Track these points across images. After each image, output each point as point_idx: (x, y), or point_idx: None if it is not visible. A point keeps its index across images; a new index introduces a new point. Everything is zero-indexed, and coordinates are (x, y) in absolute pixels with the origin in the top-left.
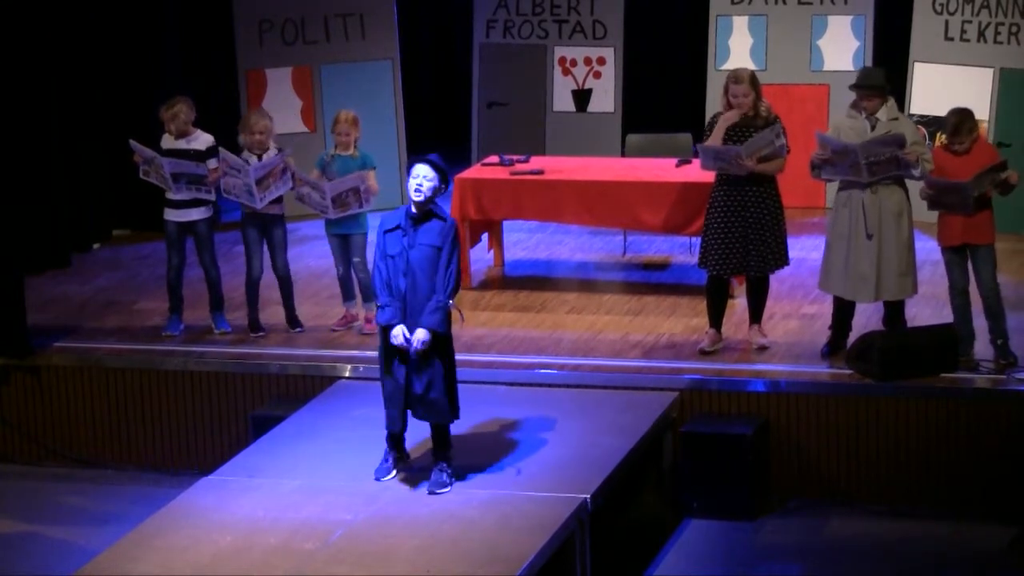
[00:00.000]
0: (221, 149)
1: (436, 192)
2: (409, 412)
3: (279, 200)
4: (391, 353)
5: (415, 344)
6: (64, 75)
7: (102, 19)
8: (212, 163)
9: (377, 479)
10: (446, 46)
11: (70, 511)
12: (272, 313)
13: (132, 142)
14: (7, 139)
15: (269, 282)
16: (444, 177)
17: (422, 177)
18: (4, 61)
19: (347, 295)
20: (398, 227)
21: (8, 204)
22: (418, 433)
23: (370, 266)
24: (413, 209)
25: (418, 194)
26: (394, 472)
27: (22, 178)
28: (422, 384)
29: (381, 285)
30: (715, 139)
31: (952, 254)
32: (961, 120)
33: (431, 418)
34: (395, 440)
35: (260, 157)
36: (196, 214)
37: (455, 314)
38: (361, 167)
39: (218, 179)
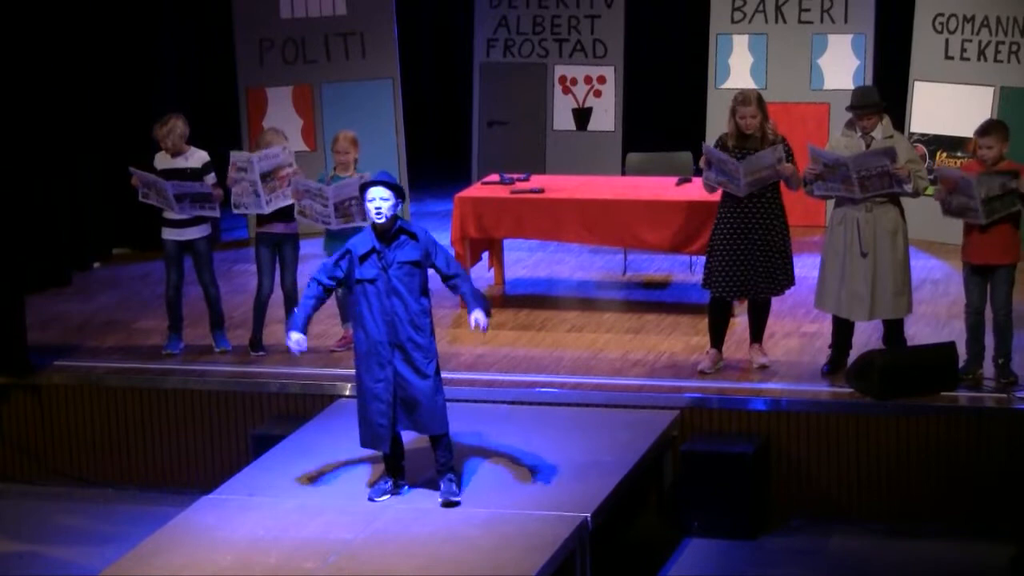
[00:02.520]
0: (232, 152)
1: (395, 209)
2: (399, 429)
3: (292, 218)
4: (376, 373)
5: (483, 325)
6: (64, 93)
7: (102, 36)
8: (210, 179)
9: (370, 499)
10: (446, 65)
11: (70, 530)
12: (272, 332)
13: (132, 169)
14: (6, 158)
15: (271, 299)
16: (399, 192)
17: (379, 199)
18: (4, 80)
19: (346, 316)
20: (372, 250)
21: (8, 222)
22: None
23: None
24: (378, 232)
25: (379, 216)
26: (388, 496)
27: (22, 196)
28: (426, 396)
29: (310, 294)
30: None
31: (971, 272)
32: (992, 124)
33: (431, 429)
34: (391, 460)
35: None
36: (195, 232)
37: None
38: None
39: (221, 196)
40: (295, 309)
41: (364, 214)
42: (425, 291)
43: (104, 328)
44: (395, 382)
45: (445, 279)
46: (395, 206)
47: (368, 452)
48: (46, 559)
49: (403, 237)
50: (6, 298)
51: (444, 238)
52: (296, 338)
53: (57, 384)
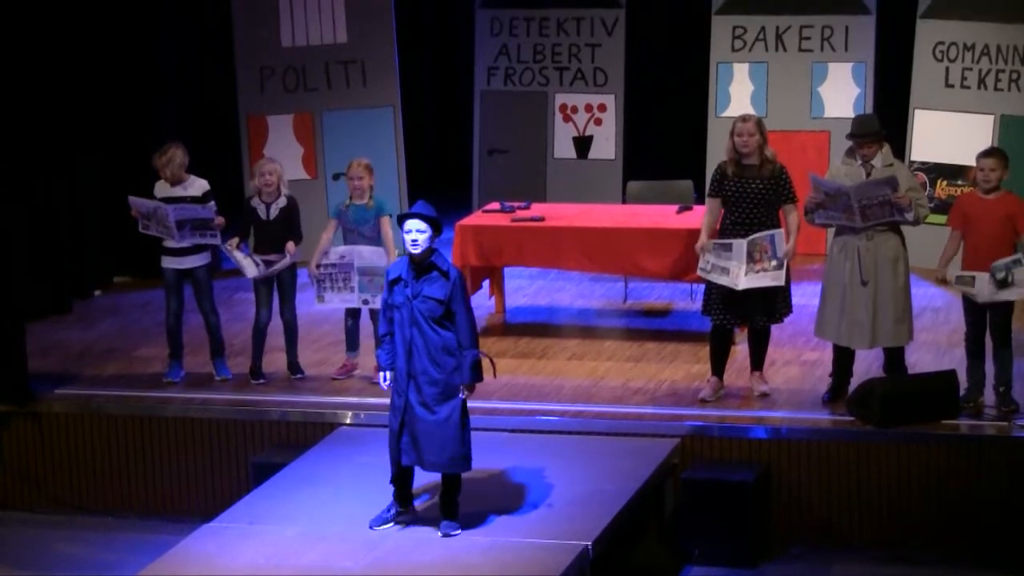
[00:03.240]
0: (227, 249)
1: (431, 241)
2: (405, 462)
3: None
4: (394, 399)
5: (462, 395)
6: (66, 121)
7: (103, 64)
8: (211, 207)
9: (370, 527)
10: (447, 93)
11: (69, 558)
12: (272, 360)
13: (131, 198)
14: (8, 186)
15: (271, 327)
16: (436, 225)
17: (415, 231)
18: (5, 107)
19: (351, 345)
20: (400, 278)
21: (9, 250)
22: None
23: None
24: (412, 262)
25: (415, 247)
26: (390, 524)
27: (23, 225)
28: (434, 432)
29: (383, 329)
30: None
31: (971, 301)
32: (994, 149)
33: (447, 468)
34: (399, 488)
35: (269, 206)
36: (194, 261)
37: (486, 363)
38: (377, 215)
39: (223, 224)
40: (377, 352)
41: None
42: (448, 328)
43: (105, 356)
44: (404, 411)
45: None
46: (430, 238)
47: (367, 480)
48: None
49: (434, 273)
50: (7, 326)
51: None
52: (382, 376)
53: (57, 412)
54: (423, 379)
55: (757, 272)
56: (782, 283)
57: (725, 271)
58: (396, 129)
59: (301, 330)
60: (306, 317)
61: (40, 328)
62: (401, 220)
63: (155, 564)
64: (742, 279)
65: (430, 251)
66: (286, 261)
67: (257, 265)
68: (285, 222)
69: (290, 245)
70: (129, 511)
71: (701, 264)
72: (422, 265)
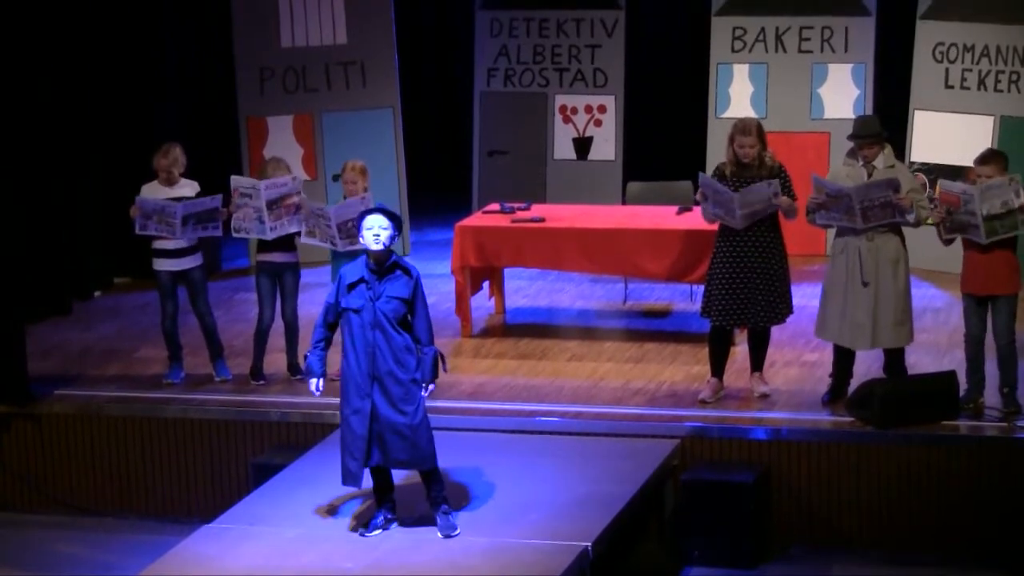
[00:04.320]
0: (233, 176)
1: (393, 240)
2: (374, 463)
3: (293, 248)
4: (354, 403)
5: (424, 393)
6: (64, 123)
7: (102, 66)
8: (218, 197)
9: (362, 535)
10: (447, 94)
11: (70, 559)
12: (272, 361)
13: (139, 198)
14: (7, 187)
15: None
16: (398, 223)
17: (378, 227)
18: (5, 108)
19: None
20: (361, 280)
21: (9, 251)
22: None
23: None
24: (373, 262)
25: (377, 243)
26: (380, 531)
27: (23, 226)
28: (403, 432)
29: (318, 332)
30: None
31: (972, 303)
32: (991, 154)
33: (418, 466)
34: (383, 494)
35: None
36: (189, 262)
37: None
38: None
39: (226, 215)
40: (309, 356)
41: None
42: (409, 326)
43: (105, 357)
44: (372, 415)
45: (415, 340)
46: (392, 236)
47: (367, 482)
48: None
49: (397, 271)
50: (6, 327)
51: (445, 267)
52: (315, 383)
53: (58, 413)
54: (389, 380)
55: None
56: (778, 189)
57: (722, 207)
58: (396, 130)
59: (301, 331)
60: (307, 318)
61: (40, 329)
62: (361, 217)
63: (155, 565)
64: (738, 213)
65: (389, 251)
66: (291, 186)
67: (263, 223)
68: None
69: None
70: (129, 512)
71: (702, 204)
72: (384, 265)
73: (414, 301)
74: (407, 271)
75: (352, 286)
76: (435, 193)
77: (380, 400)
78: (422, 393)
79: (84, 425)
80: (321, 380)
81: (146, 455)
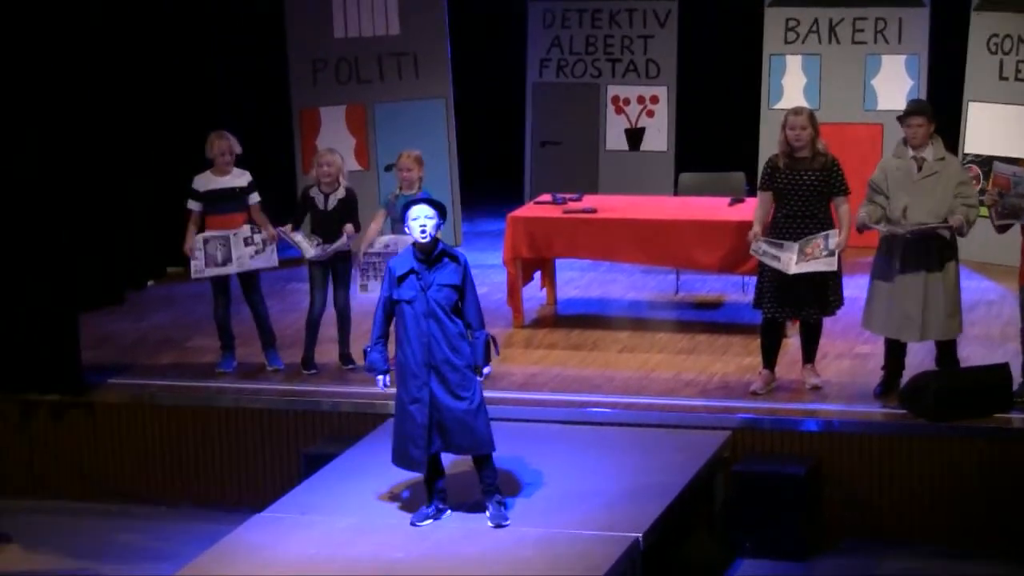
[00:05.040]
0: (283, 232)
1: (439, 228)
2: (435, 451)
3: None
4: (413, 393)
5: (480, 378)
6: (118, 114)
7: (157, 55)
8: (254, 198)
9: (412, 524)
10: (499, 85)
11: (123, 548)
12: (324, 351)
13: (197, 240)
14: (62, 178)
15: (323, 318)
16: (443, 212)
17: (423, 217)
18: (60, 100)
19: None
20: (411, 271)
21: (64, 241)
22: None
23: None
24: (420, 252)
25: (424, 235)
26: (430, 520)
27: (77, 216)
28: (462, 418)
29: (378, 327)
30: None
31: None
32: None
33: (476, 450)
34: (434, 483)
35: (328, 197)
36: None
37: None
38: None
39: (276, 237)
40: (370, 351)
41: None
42: (461, 313)
43: (158, 346)
44: (431, 404)
45: (466, 325)
46: (438, 225)
47: (418, 473)
48: None
49: (445, 259)
50: (61, 316)
51: (496, 258)
52: (382, 379)
53: (111, 402)
54: (445, 368)
55: (808, 260)
56: (834, 268)
57: (776, 258)
58: (448, 121)
59: (353, 321)
60: (359, 308)
61: (94, 319)
62: (405, 208)
63: (207, 553)
64: (793, 266)
65: (436, 238)
66: (344, 241)
67: (316, 245)
68: (343, 213)
69: (348, 227)
70: (182, 500)
71: (753, 247)
72: (431, 254)
73: (464, 287)
74: (455, 258)
75: (402, 278)
76: (487, 184)
77: (438, 388)
78: (478, 378)
79: (137, 414)
80: (387, 376)
81: (198, 444)
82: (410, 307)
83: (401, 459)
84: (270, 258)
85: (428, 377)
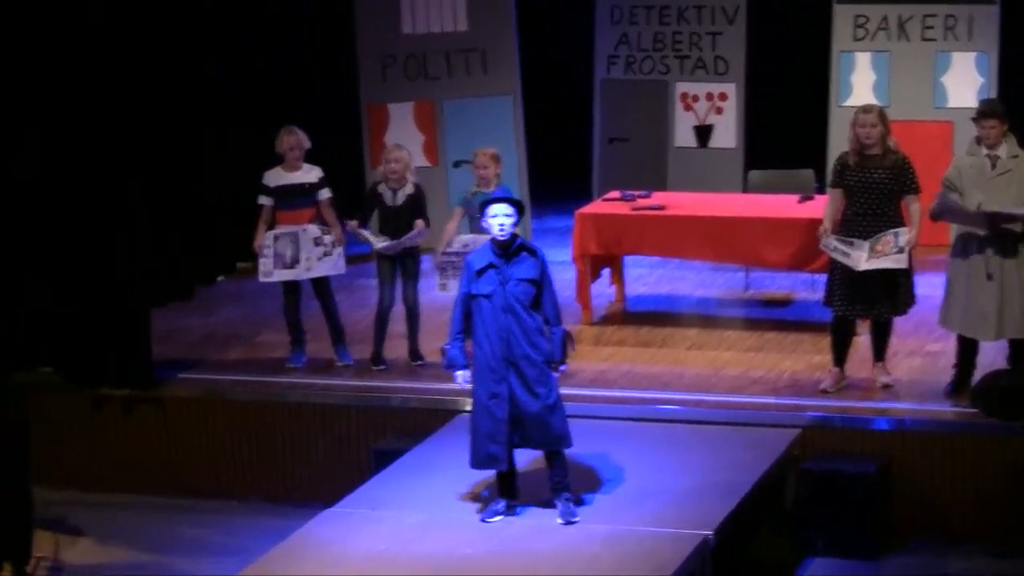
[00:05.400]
0: (350, 226)
1: (516, 225)
2: (513, 447)
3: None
4: (491, 388)
5: (557, 373)
6: (189, 109)
7: (228, 51)
8: (324, 194)
9: (482, 521)
10: (567, 82)
11: (192, 543)
12: (394, 346)
13: (268, 236)
14: (134, 173)
15: (393, 314)
16: (521, 209)
17: (502, 215)
18: (137, 97)
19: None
20: (490, 266)
21: (134, 237)
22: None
23: None
24: (499, 247)
25: (502, 232)
26: (500, 517)
27: (147, 212)
28: (538, 414)
29: (457, 326)
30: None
31: None
32: None
33: (551, 446)
34: (505, 479)
35: (396, 192)
36: None
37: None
38: None
39: (344, 240)
40: (449, 348)
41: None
42: (539, 308)
43: (227, 342)
44: (510, 399)
45: (544, 320)
46: (516, 222)
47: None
48: (169, 570)
49: (523, 254)
50: (131, 311)
51: (565, 254)
52: (461, 375)
53: (181, 397)
54: (524, 363)
55: (879, 257)
56: (904, 265)
57: (847, 254)
58: (516, 117)
59: (422, 317)
60: (428, 304)
61: (163, 314)
62: (484, 206)
63: (276, 549)
64: (863, 262)
65: (515, 235)
66: (413, 235)
67: (383, 240)
68: (411, 209)
69: (419, 222)
70: (251, 495)
71: (824, 242)
72: (510, 248)
73: (542, 282)
74: (533, 252)
75: (480, 272)
76: (555, 180)
77: (516, 383)
78: (555, 373)
79: (207, 409)
80: (466, 371)
81: (268, 439)
82: (488, 302)
83: (481, 459)
84: (337, 263)
85: (506, 372)
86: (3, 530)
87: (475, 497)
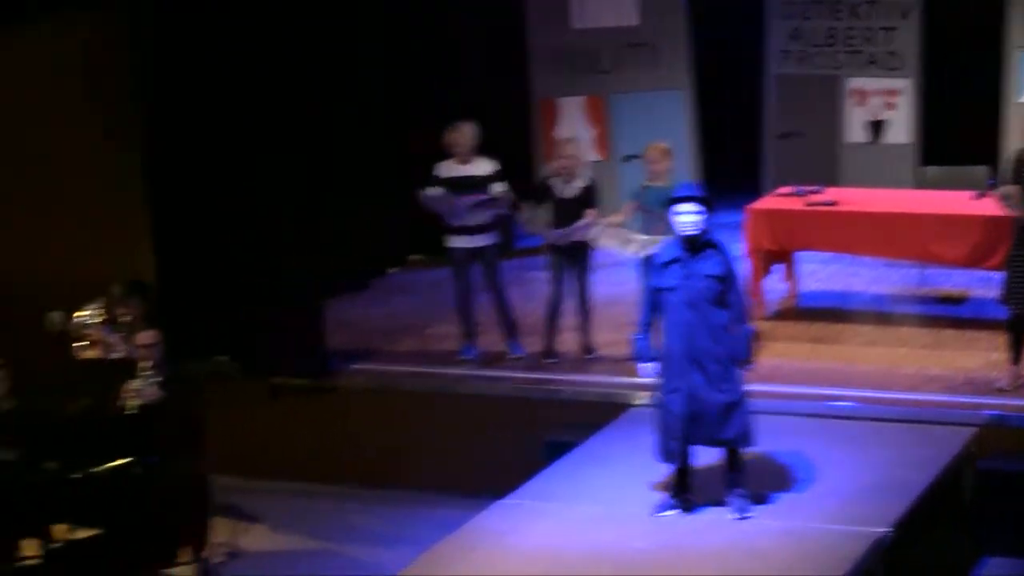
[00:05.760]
0: (520, 213)
1: (704, 222)
2: (693, 444)
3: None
4: (672, 383)
5: (743, 371)
6: (361, 103)
7: (396, 44)
8: (497, 187)
9: (655, 515)
10: (738, 77)
11: (363, 531)
12: (565, 339)
13: (423, 194)
14: (307, 167)
15: (565, 307)
16: (708, 206)
17: (688, 213)
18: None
19: None
20: (675, 260)
21: (309, 229)
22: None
23: None
24: (685, 242)
25: (688, 230)
26: (673, 512)
27: (321, 205)
28: (720, 411)
29: (645, 317)
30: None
31: None
32: None
33: (732, 444)
34: (679, 475)
35: (567, 186)
36: (484, 240)
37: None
38: None
39: (511, 200)
40: (637, 340)
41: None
42: (725, 305)
43: (400, 333)
44: (690, 395)
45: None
46: (703, 219)
47: (659, 463)
48: (340, 558)
49: (709, 250)
50: (307, 302)
51: (736, 250)
52: (648, 368)
53: (354, 387)
54: (707, 359)
55: None
56: None
57: None
58: (687, 113)
59: (595, 310)
60: (599, 297)
61: (337, 305)
62: (670, 204)
63: (448, 539)
64: None
65: (704, 233)
66: (584, 224)
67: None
68: (583, 200)
69: (590, 212)
70: (423, 486)
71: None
72: (696, 244)
73: (727, 278)
74: (720, 249)
75: (666, 265)
76: (725, 175)
77: (698, 379)
78: (741, 371)
79: (379, 399)
80: (653, 364)
81: (439, 430)
82: (673, 296)
83: (661, 453)
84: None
85: (689, 368)
86: (182, 517)
87: (648, 491)
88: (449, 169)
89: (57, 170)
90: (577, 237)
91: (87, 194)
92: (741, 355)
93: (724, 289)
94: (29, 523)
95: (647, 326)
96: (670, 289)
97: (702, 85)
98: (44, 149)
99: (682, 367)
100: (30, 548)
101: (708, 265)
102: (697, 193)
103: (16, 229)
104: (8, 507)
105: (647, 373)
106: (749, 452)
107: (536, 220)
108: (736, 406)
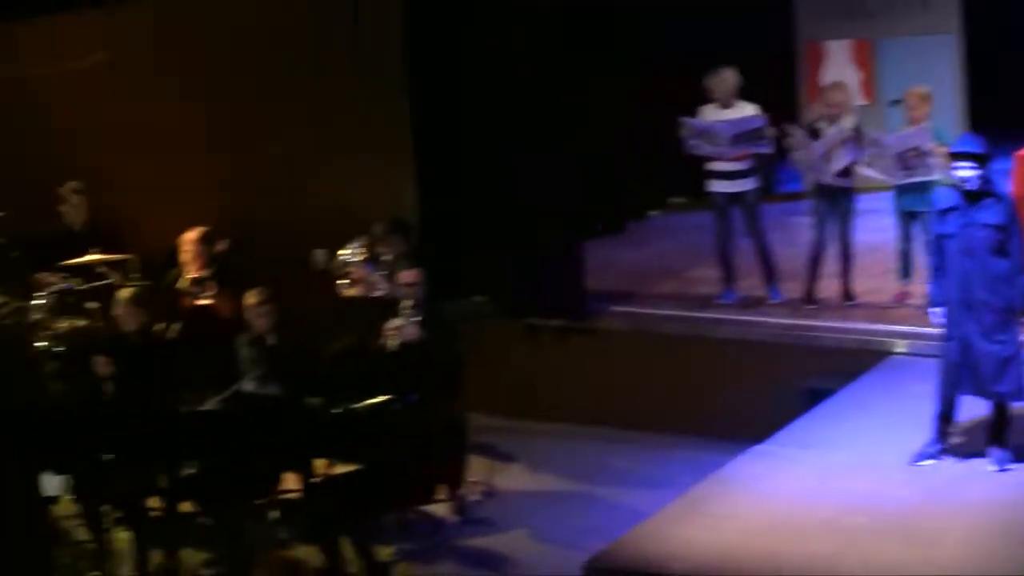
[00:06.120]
0: (788, 126)
1: (981, 178)
2: (962, 393)
3: (848, 173)
4: (950, 330)
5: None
6: (625, 48)
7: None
8: (764, 117)
9: (913, 463)
10: (1011, 19)
11: (619, 473)
12: (825, 285)
13: (683, 119)
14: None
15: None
16: (984, 158)
17: (964, 169)
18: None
19: (904, 272)
20: (954, 207)
21: (571, 173)
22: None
23: None
24: (964, 192)
25: (966, 183)
26: (932, 461)
27: (582, 147)
28: (993, 362)
29: (933, 263)
30: None
31: None
32: None
33: (1002, 398)
34: (942, 423)
35: (834, 125)
36: (744, 184)
37: None
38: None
39: (774, 132)
40: (930, 286)
41: (927, 168)
42: (1005, 254)
43: (658, 276)
44: (964, 343)
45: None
46: (980, 173)
47: (919, 411)
48: (597, 499)
49: (989, 199)
50: (567, 245)
51: None
52: (936, 312)
53: (613, 329)
54: (984, 309)
55: None
56: None
57: None
58: (956, 57)
59: (857, 258)
60: (861, 245)
61: (596, 247)
62: (951, 158)
63: (703, 483)
64: None
65: (984, 181)
66: (851, 153)
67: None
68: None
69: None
70: (679, 429)
71: None
72: (975, 193)
73: (1009, 228)
74: (1001, 198)
75: (945, 212)
76: (996, 122)
77: (973, 328)
78: (1019, 324)
79: (637, 342)
80: (940, 309)
81: (696, 374)
82: (951, 243)
83: (938, 399)
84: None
85: (965, 316)
86: (440, 455)
87: (905, 439)
88: (710, 114)
89: (323, 112)
90: (842, 164)
91: (352, 135)
92: (1019, 306)
93: (1004, 239)
94: (291, 457)
95: (936, 271)
96: (949, 236)
97: (975, 28)
98: (310, 92)
99: (958, 315)
100: (292, 481)
101: (988, 214)
102: (974, 148)
103: (284, 169)
104: (271, 441)
105: (936, 319)
106: (1017, 407)
107: (804, 151)
108: (1012, 359)
